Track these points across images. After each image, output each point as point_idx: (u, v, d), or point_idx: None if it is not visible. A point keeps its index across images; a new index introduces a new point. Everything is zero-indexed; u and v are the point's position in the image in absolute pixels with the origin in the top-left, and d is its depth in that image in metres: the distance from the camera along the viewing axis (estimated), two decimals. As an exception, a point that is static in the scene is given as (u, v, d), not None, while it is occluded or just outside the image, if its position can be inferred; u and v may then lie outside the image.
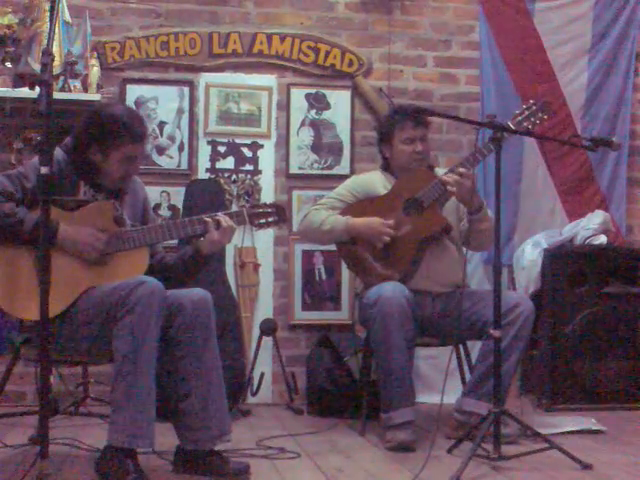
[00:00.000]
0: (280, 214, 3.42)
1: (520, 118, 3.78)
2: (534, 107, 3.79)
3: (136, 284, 3.03)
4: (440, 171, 4.15)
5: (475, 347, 4.12)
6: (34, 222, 3.05)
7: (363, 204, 4.12)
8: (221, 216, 3.32)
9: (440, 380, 3.78)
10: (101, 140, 3.24)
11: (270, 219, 3.39)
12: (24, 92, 4.35)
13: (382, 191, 4.12)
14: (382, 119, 4.42)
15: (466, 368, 4.14)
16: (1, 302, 3.09)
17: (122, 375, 2.98)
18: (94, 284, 3.16)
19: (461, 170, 3.81)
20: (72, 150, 3.29)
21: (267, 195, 4.96)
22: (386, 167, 4.26)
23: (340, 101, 5.08)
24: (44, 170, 2.56)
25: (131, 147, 3.27)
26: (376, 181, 4.20)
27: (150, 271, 3.26)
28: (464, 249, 3.99)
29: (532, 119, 3.78)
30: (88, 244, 3.16)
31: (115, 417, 3.00)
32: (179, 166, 4.88)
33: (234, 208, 4.86)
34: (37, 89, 2.56)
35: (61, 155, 3.27)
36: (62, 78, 4.43)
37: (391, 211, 4.01)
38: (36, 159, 3.23)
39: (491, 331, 3.45)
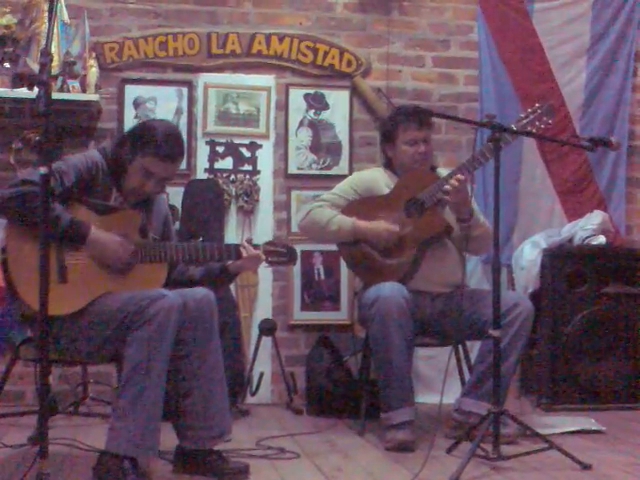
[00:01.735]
0: (291, 256, 3.51)
1: (525, 122, 3.74)
2: (539, 111, 3.74)
3: (157, 296, 3.03)
4: (442, 171, 4.15)
5: (474, 347, 4.13)
6: (68, 220, 3.06)
7: (365, 203, 4.11)
8: (248, 246, 3.41)
9: (439, 380, 3.78)
10: (132, 142, 3.26)
11: (282, 259, 3.50)
12: (23, 92, 4.34)
13: (384, 189, 4.12)
14: (385, 119, 4.40)
15: (465, 368, 4.14)
16: (22, 291, 3.04)
17: (131, 384, 2.98)
18: (111, 290, 3.15)
19: (459, 177, 3.81)
20: (110, 149, 3.32)
21: (266, 195, 4.96)
22: (388, 165, 4.25)
23: (339, 101, 5.08)
24: (43, 170, 2.55)
25: (153, 162, 3.25)
26: (378, 179, 4.19)
27: (173, 283, 3.29)
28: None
29: (537, 123, 3.74)
30: (116, 252, 3.16)
31: (117, 424, 2.99)
32: (178, 166, 4.87)
33: (233, 208, 4.87)
34: (36, 89, 2.56)
35: (99, 159, 3.27)
36: (60, 78, 4.43)
37: (392, 211, 4.01)
38: (75, 157, 3.27)
39: (490, 331, 3.45)
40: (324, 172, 5.04)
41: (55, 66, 4.37)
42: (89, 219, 3.16)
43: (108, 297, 3.12)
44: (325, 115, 5.08)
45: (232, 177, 4.94)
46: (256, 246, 3.45)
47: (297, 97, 5.05)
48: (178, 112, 4.90)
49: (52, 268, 3.04)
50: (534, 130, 3.75)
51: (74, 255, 3.10)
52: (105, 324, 3.06)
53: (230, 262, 3.44)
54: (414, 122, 4.08)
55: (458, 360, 4.18)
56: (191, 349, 3.16)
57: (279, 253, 3.47)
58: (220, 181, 4.89)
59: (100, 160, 3.27)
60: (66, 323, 3.08)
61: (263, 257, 3.44)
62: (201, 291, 3.25)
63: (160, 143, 3.24)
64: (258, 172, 4.98)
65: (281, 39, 5.01)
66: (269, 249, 3.48)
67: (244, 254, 3.38)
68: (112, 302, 3.08)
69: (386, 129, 4.21)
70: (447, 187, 3.81)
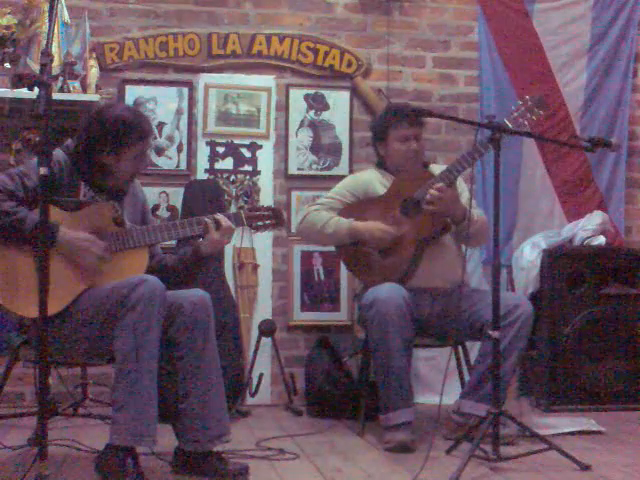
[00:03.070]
0: (278, 217, 3.46)
1: (516, 114, 3.75)
2: (530, 103, 3.76)
3: (137, 282, 3.04)
4: (435, 167, 4.17)
5: (474, 348, 4.13)
6: (34, 222, 3.04)
7: (362, 205, 4.13)
8: (220, 216, 3.34)
9: (439, 381, 3.78)
10: (112, 142, 3.25)
11: (267, 222, 3.44)
12: (23, 93, 4.34)
13: (381, 189, 4.13)
14: (377, 118, 4.42)
15: (465, 369, 4.14)
16: (2, 299, 3.08)
17: (124, 374, 2.99)
18: (93, 284, 3.16)
19: (438, 186, 3.82)
20: (79, 153, 3.28)
21: (266, 196, 4.96)
22: (381, 165, 4.27)
23: (339, 102, 5.08)
24: (43, 171, 2.55)
25: (140, 144, 3.30)
26: (374, 180, 4.21)
27: (149, 272, 3.25)
28: (463, 248, 3.99)
29: (528, 115, 3.75)
30: (86, 249, 3.16)
31: (117, 416, 3.00)
32: (178, 167, 4.88)
33: (233, 209, 4.87)
34: (36, 90, 2.55)
35: (62, 156, 3.27)
36: (61, 79, 4.43)
37: (389, 212, 4.01)
38: (36, 158, 3.24)
39: (490, 332, 3.45)
40: (324, 173, 5.04)
41: (55, 66, 4.37)
42: (60, 217, 3.14)
43: (91, 292, 3.13)
44: (325, 116, 5.08)
45: (232, 177, 4.94)
46: (235, 214, 3.40)
47: (297, 97, 5.05)
48: (178, 112, 4.90)
49: (31, 271, 3.06)
50: (527, 122, 3.75)
51: (52, 254, 3.06)
52: (92, 320, 3.09)
53: (201, 240, 3.38)
54: (405, 120, 4.11)
55: (458, 361, 4.18)
56: (188, 351, 3.17)
57: (264, 217, 3.42)
58: (220, 181, 4.90)
59: (62, 157, 3.26)
60: (58, 324, 3.09)
61: (234, 227, 3.36)
62: (197, 293, 3.26)
63: (139, 127, 3.28)
64: (258, 172, 4.99)
65: (281, 39, 5.01)
66: (251, 214, 3.42)
67: (212, 226, 3.31)
68: (95, 297, 3.10)
69: (377, 128, 4.24)
70: (429, 197, 3.83)
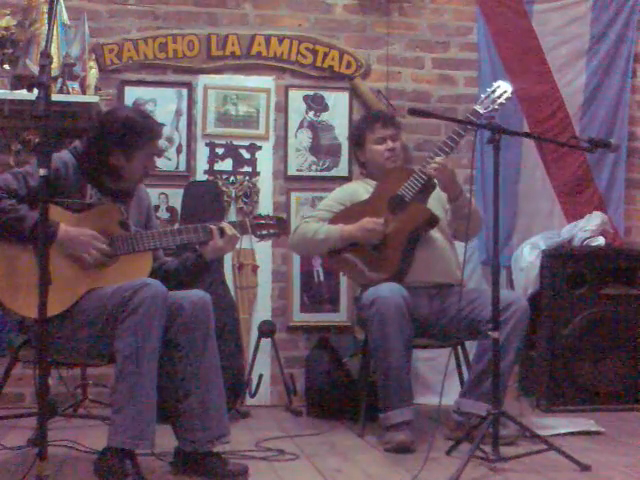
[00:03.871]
0: (281, 226, 3.48)
1: (487, 102, 3.82)
2: (498, 89, 3.83)
3: (139, 285, 3.03)
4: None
5: (474, 348, 4.12)
6: (35, 220, 3.04)
7: (350, 210, 4.18)
8: (225, 225, 3.36)
9: (439, 381, 3.78)
10: (124, 144, 3.25)
11: (272, 231, 3.44)
12: (22, 94, 4.34)
13: (366, 196, 4.17)
14: (352, 128, 4.50)
15: (464, 369, 4.14)
16: (3, 298, 3.08)
17: (123, 376, 2.99)
18: (96, 286, 3.16)
19: (438, 160, 3.89)
20: (89, 155, 3.28)
21: (265, 197, 4.96)
22: (366, 174, 4.38)
23: (338, 103, 5.09)
24: (42, 172, 2.55)
25: (152, 145, 3.34)
26: (359, 189, 4.30)
27: (151, 275, 3.26)
28: (461, 249, 3.99)
29: (499, 100, 3.82)
30: (88, 244, 3.15)
31: (116, 418, 3.00)
32: (177, 168, 4.88)
33: (232, 209, 4.87)
34: (35, 91, 2.55)
35: (69, 158, 3.27)
36: (60, 80, 4.42)
37: (377, 212, 4.05)
38: None
39: (490, 332, 3.45)
40: (324, 174, 5.05)
41: (55, 68, 4.36)
42: (64, 218, 3.15)
43: (94, 293, 3.13)
44: (325, 117, 5.08)
45: (232, 179, 4.94)
46: (240, 222, 3.41)
47: (297, 98, 5.05)
48: (178, 114, 4.90)
49: (33, 270, 3.05)
50: (498, 107, 3.81)
51: (55, 255, 3.05)
52: (94, 321, 3.08)
53: (204, 246, 3.38)
54: (379, 122, 4.26)
55: (457, 361, 4.18)
56: (188, 351, 3.17)
57: (268, 226, 3.43)
58: (220, 183, 4.90)
59: (70, 159, 3.26)
60: (60, 324, 3.09)
61: (239, 235, 3.38)
62: (197, 293, 3.25)
63: (150, 128, 3.30)
64: (258, 174, 4.99)
65: (281, 40, 5.01)
66: (256, 223, 3.43)
67: (217, 233, 3.33)
68: (98, 298, 3.10)
69: (355, 135, 4.39)
70: (434, 165, 3.90)
